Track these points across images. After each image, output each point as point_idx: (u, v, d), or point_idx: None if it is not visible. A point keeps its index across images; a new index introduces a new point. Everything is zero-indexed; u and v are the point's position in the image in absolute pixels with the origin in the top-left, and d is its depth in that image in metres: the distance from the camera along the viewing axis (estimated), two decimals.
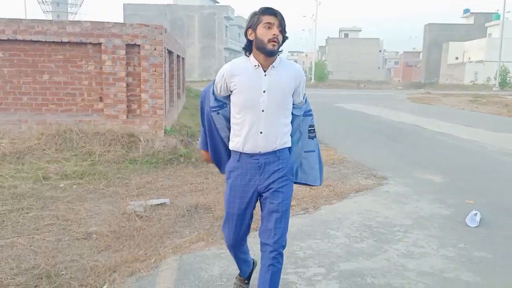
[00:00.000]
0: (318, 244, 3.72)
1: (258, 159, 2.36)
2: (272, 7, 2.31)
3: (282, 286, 2.84)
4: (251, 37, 2.31)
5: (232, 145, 2.43)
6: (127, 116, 7.31)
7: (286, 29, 2.32)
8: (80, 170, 5.78)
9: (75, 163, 6.09)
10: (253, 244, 3.17)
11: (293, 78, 2.38)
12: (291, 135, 2.46)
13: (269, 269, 2.38)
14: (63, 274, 3.07)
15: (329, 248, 3.64)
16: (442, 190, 5.56)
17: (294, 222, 4.14)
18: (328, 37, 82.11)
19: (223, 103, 2.44)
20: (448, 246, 3.74)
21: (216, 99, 2.44)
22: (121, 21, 50.42)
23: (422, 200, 5.11)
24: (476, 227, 4.21)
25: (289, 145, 2.45)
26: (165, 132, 7.47)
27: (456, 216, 4.53)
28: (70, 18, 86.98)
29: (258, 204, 2.50)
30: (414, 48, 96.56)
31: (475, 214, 4.39)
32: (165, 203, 4.69)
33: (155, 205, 4.60)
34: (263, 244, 2.42)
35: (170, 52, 9.33)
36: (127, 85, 7.31)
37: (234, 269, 3.02)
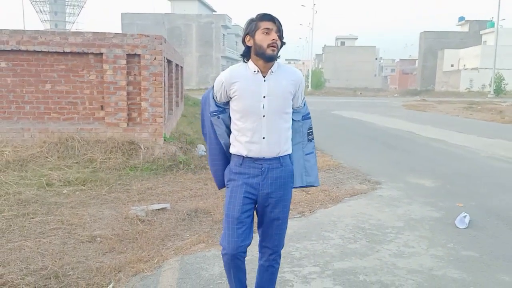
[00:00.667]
0: (314, 245, 3.89)
1: (261, 164, 2.36)
2: (270, 13, 2.33)
3: (279, 283, 3.01)
4: (249, 44, 2.31)
5: (234, 150, 2.41)
6: (128, 124, 7.48)
7: (284, 35, 2.34)
8: (82, 177, 5.94)
9: (77, 170, 6.25)
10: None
11: (292, 83, 2.38)
12: (291, 139, 2.47)
13: (268, 269, 2.56)
14: (70, 275, 3.22)
15: (324, 249, 3.81)
16: (434, 194, 5.75)
17: (291, 225, 4.29)
18: (325, 45, 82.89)
19: (223, 108, 2.44)
20: (437, 246, 3.92)
21: (216, 105, 2.44)
22: (119, 30, 50.90)
23: (414, 204, 5.29)
24: (465, 228, 4.39)
25: (290, 151, 2.46)
26: (164, 140, 7.64)
27: (446, 219, 4.71)
28: (68, 27, 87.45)
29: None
30: (410, 55, 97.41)
31: (465, 216, 4.57)
32: (165, 208, 4.85)
33: (156, 209, 4.76)
34: (262, 246, 2.55)
35: (169, 62, 9.54)
36: (128, 93, 7.50)
37: None
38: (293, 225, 4.40)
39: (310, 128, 2.56)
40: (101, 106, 7.49)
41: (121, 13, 53.33)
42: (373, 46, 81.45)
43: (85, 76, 7.47)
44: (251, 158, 2.36)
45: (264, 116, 2.33)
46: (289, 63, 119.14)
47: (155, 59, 7.49)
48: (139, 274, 3.25)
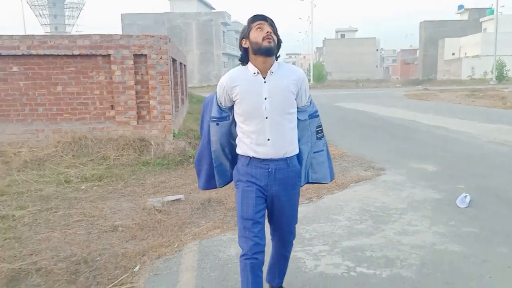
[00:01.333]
0: (322, 227, 4.14)
1: (268, 165, 2.37)
2: (262, 13, 2.38)
3: (291, 261, 3.24)
4: (246, 45, 2.34)
5: (241, 151, 2.43)
6: (138, 122, 7.74)
7: (279, 33, 2.36)
8: (98, 173, 6.21)
9: (92, 167, 6.52)
10: None
11: (293, 82, 2.37)
12: (298, 139, 2.47)
13: (281, 256, 2.73)
14: (98, 260, 3.48)
15: (332, 230, 4.06)
16: (436, 178, 5.98)
17: (300, 210, 4.43)
18: (325, 38, 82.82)
19: (227, 115, 2.46)
20: (439, 224, 4.15)
21: (220, 110, 2.46)
22: (120, 31, 51.17)
23: (416, 187, 5.52)
24: (466, 207, 4.62)
25: (297, 151, 2.46)
26: (173, 136, 7.90)
27: (448, 200, 4.94)
28: (68, 30, 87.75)
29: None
30: (411, 45, 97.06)
31: (465, 197, 4.80)
32: (180, 199, 5.11)
33: (171, 200, 5.02)
34: (275, 235, 2.66)
35: (174, 60, 9.78)
36: (136, 92, 7.75)
37: None
38: (302, 210, 4.63)
39: (319, 126, 2.56)
40: (111, 105, 7.75)
41: (121, 14, 53.60)
42: (374, 37, 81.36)
43: (94, 77, 7.72)
44: (257, 158, 2.38)
45: (267, 117, 2.32)
46: (290, 57, 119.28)
47: (161, 58, 7.73)
48: (162, 257, 3.50)
